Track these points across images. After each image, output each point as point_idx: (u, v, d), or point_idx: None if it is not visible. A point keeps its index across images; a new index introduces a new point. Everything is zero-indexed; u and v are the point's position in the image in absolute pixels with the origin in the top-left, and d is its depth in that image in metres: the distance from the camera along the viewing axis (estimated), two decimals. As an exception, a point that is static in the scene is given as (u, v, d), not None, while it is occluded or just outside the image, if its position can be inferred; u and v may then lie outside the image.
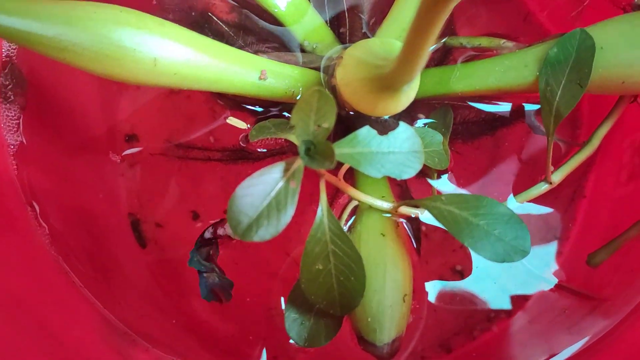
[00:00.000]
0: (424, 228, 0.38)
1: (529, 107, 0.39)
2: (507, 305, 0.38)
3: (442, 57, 0.39)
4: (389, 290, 0.29)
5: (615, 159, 0.40)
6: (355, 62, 0.29)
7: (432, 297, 0.38)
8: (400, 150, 0.27)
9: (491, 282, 0.38)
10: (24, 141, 0.36)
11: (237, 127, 0.39)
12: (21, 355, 0.26)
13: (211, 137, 0.39)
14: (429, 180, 0.38)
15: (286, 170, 0.26)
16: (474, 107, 0.39)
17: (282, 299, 0.38)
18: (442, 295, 0.38)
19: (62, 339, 0.28)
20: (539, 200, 0.38)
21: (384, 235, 0.31)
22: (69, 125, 0.39)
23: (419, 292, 0.37)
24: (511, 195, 0.35)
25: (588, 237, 0.39)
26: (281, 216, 0.25)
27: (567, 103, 0.31)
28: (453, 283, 0.39)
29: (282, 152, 0.38)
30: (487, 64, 0.34)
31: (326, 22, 0.38)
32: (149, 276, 0.38)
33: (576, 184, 0.40)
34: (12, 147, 0.36)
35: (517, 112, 0.39)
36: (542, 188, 0.34)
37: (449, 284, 0.38)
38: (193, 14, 0.40)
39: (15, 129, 0.36)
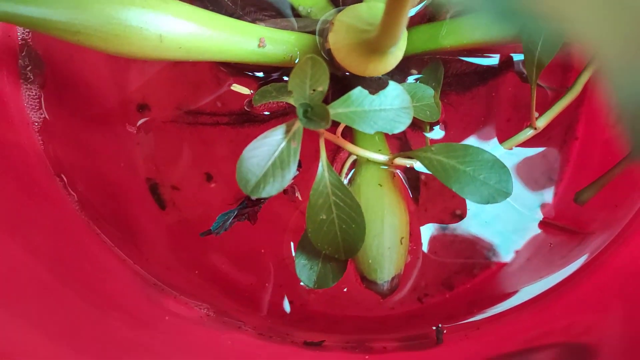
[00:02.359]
0: (422, 177, 0.40)
1: (517, 57, 0.40)
2: (504, 245, 0.41)
3: (432, 14, 0.40)
4: (387, 235, 0.32)
5: (603, 102, 0.41)
6: (344, 28, 0.31)
7: (433, 240, 0.40)
8: (390, 107, 0.29)
9: (488, 224, 0.41)
10: (47, 117, 0.39)
11: (241, 94, 0.41)
12: (65, 303, 0.29)
13: (218, 102, 0.41)
14: (424, 133, 0.40)
15: (287, 131, 0.28)
16: (464, 61, 0.41)
17: (293, 247, 0.41)
18: (442, 238, 0.41)
19: (98, 290, 0.32)
20: (533, 144, 0.40)
21: (381, 186, 0.34)
22: (86, 100, 0.41)
23: (416, 236, 0.40)
24: (496, 141, 0.37)
25: (581, 177, 0.41)
26: (285, 173, 0.28)
27: (548, 52, 0.33)
28: (452, 227, 0.41)
29: (285, 113, 0.41)
30: (473, 19, 0.36)
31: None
32: (170, 235, 0.41)
33: (567, 127, 0.42)
34: (36, 124, 0.38)
35: (507, 63, 0.41)
36: (527, 134, 0.36)
37: (449, 228, 0.41)
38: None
39: (37, 107, 0.38)
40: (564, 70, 0.42)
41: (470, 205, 0.41)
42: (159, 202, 0.41)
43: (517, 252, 0.41)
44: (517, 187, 0.41)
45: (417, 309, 0.40)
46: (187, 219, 0.41)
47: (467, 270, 0.41)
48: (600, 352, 0.29)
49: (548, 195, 0.41)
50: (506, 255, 0.41)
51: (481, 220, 0.41)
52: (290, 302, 0.40)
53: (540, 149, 0.42)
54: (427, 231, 0.40)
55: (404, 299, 0.40)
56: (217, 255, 0.41)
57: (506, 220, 0.41)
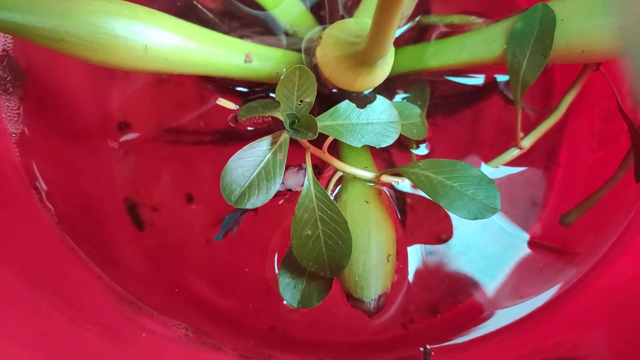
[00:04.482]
0: (409, 200, 0.40)
1: (501, 78, 0.41)
2: (490, 268, 0.40)
3: (418, 36, 0.41)
4: (373, 252, 0.32)
5: (587, 127, 0.42)
6: (333, 41, 0.31)
7: (418, 264, 0.40)
8: (378, 120, 0.29)
9: (474, 248, 0.41)
10: (26, 130, 0.38)
11: (225, 111, 0.40)
12: (37, 313, 0.28)
13: (201, 121, 0.41)
14: (410, 150, 0.40)
15: (273, 142, 0.28)
16: (450, 82, 0.41)
17: (276, 267, 0.40)
18: (427, 262, 0.40)
19: (72, 303, 0.31)
20: (517, 165, 0.40)
21: (367, 202, 0.33)
22: (66, 115, 0.40)
23: (403, 255, 0.39)
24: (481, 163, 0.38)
25: (565, 202, 0.41)
26: (270, 185, 0.27)
27: (532, 72, 0.33)
28: (438, 251, 0.40)
29: (269, 131, 0.40)
30: (459, 40, 0.36)
31: (306, 5, 0.40)
32: (148, 255, 0.40)
33: (550, 153, 0.42)
34: (14, 135, 0.37)
35: (491, 84, 0.41)
36: (513, 153, 0.36)
37: (434, 252, 0.40)
38: (179, 3, 0.41)
39: (16, 118, 0.38)
40: (545, 94, 0.43)
41: (456, 230, 0.40)
42: (137, 223, 0.40)
43: (504, 274, 0.40)
44: (503, 209, 0.41)
45: (402, 334, 0.40)
46: (166, 240, 0.40)
47: (452, 295, 0.41)
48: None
49: (533, 218, 0.41)
50: (493, 279, 0.40)
51: (467, 244, 0.41)
52: (271, 328, 0.39)
53: (524, 173, 0.42)
54: (413, 255, 0.40)
55: (389, 322, 0.39)
56: (196, 277, 0.40)
57: (492, 243, 0.41)
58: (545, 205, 0.42)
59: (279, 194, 0.37)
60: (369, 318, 0.33)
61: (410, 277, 0.39)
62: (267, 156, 0.27)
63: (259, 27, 0.40)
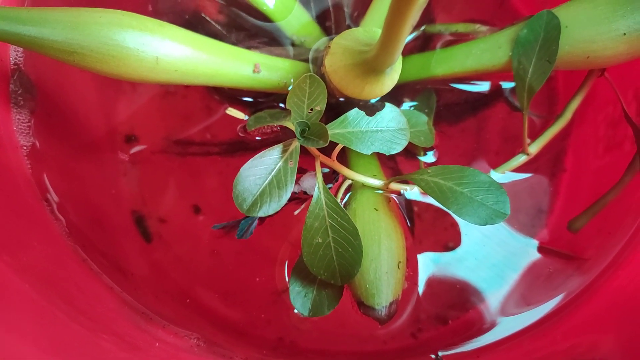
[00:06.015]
0: (416, 209, 0.40)
1: (506, 85, 0.41)
2: (499, 275, 0.40)
3: (423, 44, 0.42)
4: (384, 259, 0.32)
5: (592, 133, 0.42)
6: (342, 50, 0.31)
7: (426, 272, 0.40)
8: (387, 128, 0.30)
9: (481, 256, 0.41)
10: (36, 143, 0.38)
11: (232, 122, 0.40)
12: (53, 322, 0.28)
13: (208, 133, 0.41)
14: (418, 157, 0.40)
15: (284, 151, 0.28)
16: (455, 90, 0.41)
17: (284, 277, 0.40)
18: (435, 270, 0.40)
19: (87, 313, 0.31)
20: (522, 176, 0.40)
21: (377, 210, 0.33)
22: (75, 128, 0.40)
23: (413, 263, 0.39)
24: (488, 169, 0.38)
25: (571, 209, 0.41)
26: (282, 193, 0.27)
27: (538, 79, 0.33)
28: (445, 259, 0.40)
29: (278, 140, 0.40)
30: (464, 48, 0.37)
31: (312, 16, 0.41)
32: (157, 267, 0.40)
33: (555, 159, 0.42)
34: (25, 148, 0.38)
35: (496, 92, 0.42)
36: (520, 159, 0.36)
37: (442, 260, 0.40)
38: (186, 16, 0.42)
39: (27, 131, 0.38)
40: (549, 102, 0.43)
41: (463, 237, 0.40)
42: (145, 235, 0.40)
43: (512, 281, 0.40)
44: (509, 215, 0.41)
45: (412, 343, 0.39)
46: (175, 252, 0.40)
47: (461, 302, 0.40)
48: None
49: (539, 225, 0.42)
50: (501, 286, 0.40)
51: (474, 252, 0.41)
52: (280, 339, 0.39)
53: (530, 179, 0.42)
54: (421, 264, 0.40)
55: (399, 329, 0.39)
56: (205, 289, 0.40)
57: (499, 250, 0.41)
58: (551, 211, 0.42)
59: (294, 199, 0.37)
60: (380, 325, 0.33)
61: (420, 285, 0.39)
62: (279, 164, 0.28)
63: (266, 38, 0.40)
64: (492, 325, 0.39)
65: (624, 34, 0.31)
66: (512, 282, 0.40)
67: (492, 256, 0.40)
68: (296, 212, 0.38)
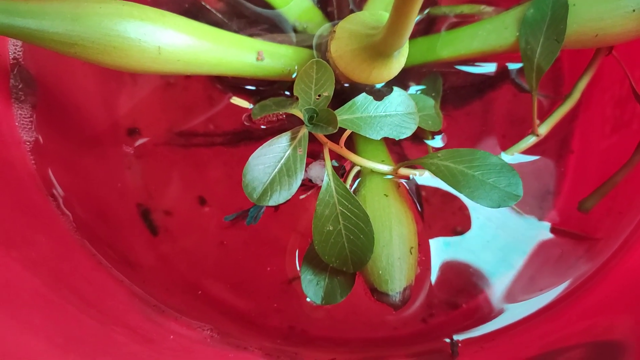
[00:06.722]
0: (424, 193, 0.40)
1: (513, 66, 0.41)
2: (509, 258, 0.40)
3: (427, 28, 0.41)
4: (396, 244, 0.31)
5: (598, 113, 0.42)
6: (347, 34, 0.31)
7: (435, 257, 0.40)
8: (396, 112, 0.29)
9: (490, 239, 0.41)
10: (40, 138, 0.38)
11: (235, 112, 0.40)
12: (65, 316, 0.28)
13: (211, 124, 0.41)
14: (426, 141, 0.40)
15: (293, 138, 0.28)
16: (461, 73, 0.41)
17: (294, 266, 0.39)
18: (445, 255, 0.40)
19: (98, 307, 0.31)
20: (530, 158, 0.40)
21: (387, 196, 0.33)
22: (77, 122, 0.40)
23: (425, 248, 0.39)
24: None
25: (579, 190, 0.41)
26: (292, 181, 0.27)
27: (547, 58, 0.33)
28: (455, 243, 0.40)
29: (283, 129, 0.40)
30: (470, 30, 0.36)
31: (314, 2, 0.40)
32: (165, 260, 0.39)
33: (562, 140, 0.42)
34: (28, 143, 0.37)
35: (503, 73, 0.41)
36: (530, 141, 0.36)
37: (451, 244, 0.40)
38: (186, 5, 0.41)
39: (29, 127, 0.37)
40: (555, 82, 0.43)
41: (473, 221, 0.40)
42: (151, 229, 0.40)
43: (522, 264, 0.40)
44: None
45: (424, 327, 0.39)
46: (182, 244, 0.40)
47: (471, 286, 0.40)
48: (628, 347, 0.28)
49: (547, 207, 0.41)
50: (511, 268, 0.40)
51: (483, 236, 0.40)
52: (291, 327, 0.39)
53: (538, 161, 0.42)
54: (432, 248, 0.40)
55: (412, 315, 0.39)
56: (215, 280, 0.39)
57: (509, 233, 0.41)
58: (559, 193, 0.41)
59: (300, 186, 0.37)
60: (394, 311, 0.33)
61: (432, 270, 0.39)
62: (287, 152, 0.27)
63: (267, 25, 0.40)
64: (504, 308, 0.39)
65: (633, 10, 0.31)
66: (521, 265, 0.40)
67: (500, 239, 0.40)
68: (302, 197, 0.37)
